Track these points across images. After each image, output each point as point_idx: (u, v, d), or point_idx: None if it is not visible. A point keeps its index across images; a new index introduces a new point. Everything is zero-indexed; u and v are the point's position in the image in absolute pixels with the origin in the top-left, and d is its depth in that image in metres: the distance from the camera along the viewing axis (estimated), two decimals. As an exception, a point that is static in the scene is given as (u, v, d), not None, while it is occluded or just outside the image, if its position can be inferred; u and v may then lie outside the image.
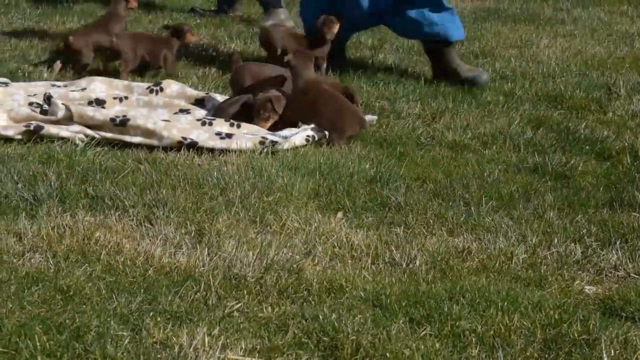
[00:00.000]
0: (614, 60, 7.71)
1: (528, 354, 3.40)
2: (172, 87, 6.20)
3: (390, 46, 8.00)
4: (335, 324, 3.48)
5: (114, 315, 3.52)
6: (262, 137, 5.44)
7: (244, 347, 3.36)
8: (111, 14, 7.21)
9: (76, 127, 5.47)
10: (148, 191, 4.67)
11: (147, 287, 3.74)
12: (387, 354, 3.34)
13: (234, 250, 4.06)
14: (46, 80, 6.58)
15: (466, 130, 5.85)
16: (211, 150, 5.34)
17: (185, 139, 5.37)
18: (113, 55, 6.86)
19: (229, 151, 5.31)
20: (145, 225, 4.33)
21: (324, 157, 5.24)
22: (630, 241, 4.33)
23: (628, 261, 4.15)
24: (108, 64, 6.97)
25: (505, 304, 3.66)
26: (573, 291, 3.90)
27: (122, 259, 3.98)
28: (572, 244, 4.29)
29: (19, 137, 5.42)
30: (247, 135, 5.49)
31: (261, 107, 5.68)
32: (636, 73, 7.30)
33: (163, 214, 4.42)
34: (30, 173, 4.83)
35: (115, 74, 6.67)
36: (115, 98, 5.99)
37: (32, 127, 5.42)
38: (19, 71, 6.81)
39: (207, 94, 6.23)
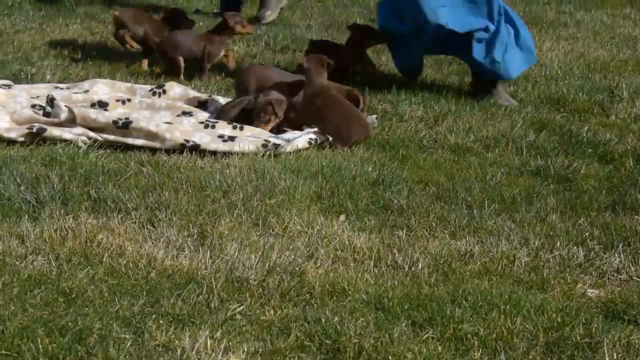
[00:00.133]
0: (616, 63, 7.70)
1: (530, 357, 3.40)
2: (174, 89, 6.20)
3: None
4: (338, 327, 3.48)
5: (117, 318, 3.52)
6: (265, 140, 5.44)
7: (246, 350, 3.36)
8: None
9: (79, 130, 5.48)
10: (150, 194, 4.67)
11: (149, 290, 3.75)
12: (390, 357, 3.34)
13: (236, 253, 4.06)
14: (49, 82, 6.59)
15: (469, 133, 5.85)
16: (214, 152, 5.34)
17: (187, 141, 5.37)
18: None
19: (231, 154, 5.32)
20: (147, 228, 4.33)
21: (326, 159, 5.24)
22: (633, 244, 4.33)
23: (630, 264, 4.15)
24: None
25: (508, 307, 3.66)
26: (575, 294, 3.90)
27: (125, 261, 3.98)
28: (575, 247, 4.29)
29: (22, 139, 5.42)
30: (250, 138, 5.49)
31: (262, 110, 5.69)
32: (639, 76, 7.30)
33: (165, 217, 4.42)
34: (33, 175, 4.83)
35: (114, 75, 6.67)
36: (118, 100, 5.99)
37: (34, 130, 5.42)
38: (22, 73, 6.82)
39: (210, 96, 6.23)
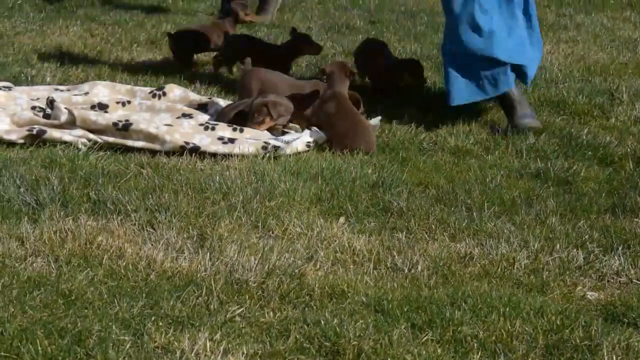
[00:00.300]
0: (616, 66, 7.70)
1: (530, 359, 3.40)
2: (174, 91, 6.21)
3: (394, 50, 8.00)
4: (337, 329, 3.48)
5: (116, 319, 3.52)
6: (265, 142, 5.45)
7: (245, 352, 3.36)
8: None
9: (79, 132, 5.48)
10: (150, 196, 4.67)
11: (148, 292, 3.75)
12: (389, 359, 3.34)
13: (235, 255, 4.06)
14: (49, 84, 6.59)
15: (468, 136, 5.85)
16: (213, 154, 5.34)
17: (187, 143, 5.37)
18: None
19: (231, 156, 5.32)
20: (147, 230, 4.33)
21: (326, 162, 5.24)
22: (633, 247, 4.33)
23: (630, 267, 4.15)
24: None
25: (507, 309, 3.66)
26: (575, 297, 3.90)
27: (124, 263, 3.98)
28: (574, 250, 4.29)
29: (22, 141, 5.43)
30: (250, 140, 5.49)
31: (256, 111, 5.69)
32: (639, 79, 7.29)
33: (165, 219, 4.42)
34: (33, 177, 4.83)
35: (113, 77, 6.68)
36: (118, 102, 5.99)
37: (34, 131, 5.43)
38: (22, 75, 6.82)
39: (210, 98, 6.23)
